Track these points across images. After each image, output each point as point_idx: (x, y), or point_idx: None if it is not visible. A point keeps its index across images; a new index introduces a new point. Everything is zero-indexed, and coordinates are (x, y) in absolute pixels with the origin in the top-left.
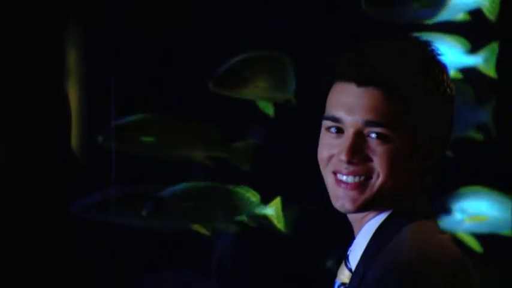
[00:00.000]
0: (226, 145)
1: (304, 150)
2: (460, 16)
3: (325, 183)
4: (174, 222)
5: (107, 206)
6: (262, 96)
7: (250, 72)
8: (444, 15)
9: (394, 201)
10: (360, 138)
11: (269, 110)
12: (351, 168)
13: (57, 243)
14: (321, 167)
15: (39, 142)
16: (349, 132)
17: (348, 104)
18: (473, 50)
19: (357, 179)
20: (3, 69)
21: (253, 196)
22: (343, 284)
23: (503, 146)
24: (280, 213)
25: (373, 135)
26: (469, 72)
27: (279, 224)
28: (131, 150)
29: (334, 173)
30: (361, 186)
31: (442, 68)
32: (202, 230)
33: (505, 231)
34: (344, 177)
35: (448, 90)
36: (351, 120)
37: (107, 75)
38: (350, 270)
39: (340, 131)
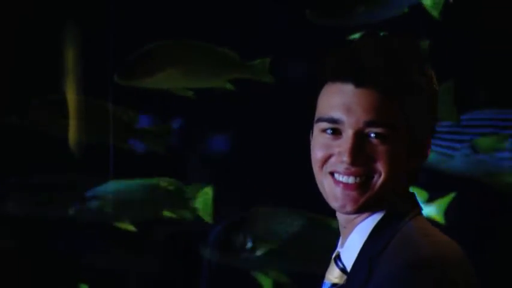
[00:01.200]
0: (141, 129)
1: (235, 142)
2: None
3: (319, 184)
4: (98, 218)
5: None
6: (174, 85)
7: (156, 61)
8: (389, 14)
9: (390, 199)
10: (360, 138)
11: (189, 97)
12: (353, 169)
13: None
14: (316, 168)
15: None
16: (349, 133)
17: (346, 105)
18: None
19: (357, 179)
20: None
21: (177, 189)
22: (334, 284)
23: None
24: (207, 205)
25: (373, 135)
26: None
27: (205, 216)
28: (47, 131)
29: (332, 174)
30: (361, 187)
31: (428, 64)
32: (127, 227)
33: None
34: (344, 178)
35: (434, 86)
36: (351, 121)
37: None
38: (342, 270)
39: (336, 132)
